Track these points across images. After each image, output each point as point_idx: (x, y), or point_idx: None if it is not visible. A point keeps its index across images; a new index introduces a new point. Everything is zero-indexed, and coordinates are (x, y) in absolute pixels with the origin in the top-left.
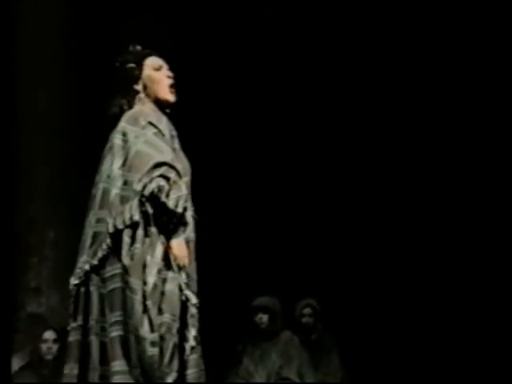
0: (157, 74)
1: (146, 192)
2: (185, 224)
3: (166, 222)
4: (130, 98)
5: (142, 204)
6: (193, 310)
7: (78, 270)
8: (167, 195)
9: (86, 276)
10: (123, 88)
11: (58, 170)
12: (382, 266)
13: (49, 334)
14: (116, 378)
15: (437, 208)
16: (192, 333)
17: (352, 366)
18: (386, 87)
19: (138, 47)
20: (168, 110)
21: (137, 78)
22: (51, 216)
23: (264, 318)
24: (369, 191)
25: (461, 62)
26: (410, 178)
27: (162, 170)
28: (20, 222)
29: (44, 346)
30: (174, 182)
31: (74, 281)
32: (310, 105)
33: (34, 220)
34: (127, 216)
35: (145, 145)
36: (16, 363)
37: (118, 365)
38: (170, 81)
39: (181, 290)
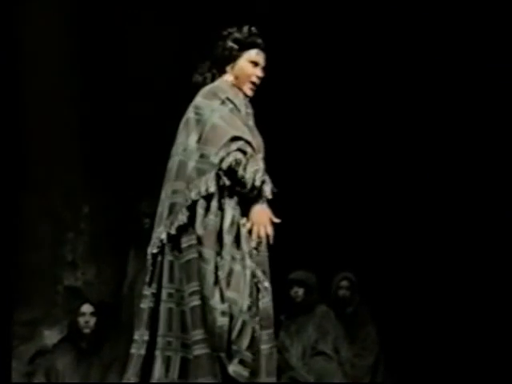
0: (249, 68)
1: (224, 165)
2: (263, 196)
3: (244, 195)
4: (217, 73)
5: (218, 177)
6: (264, 296)
7: (155, 240)
8: (244, 169)
9: (163, 245)
10: (216, 62)
11: (92, 146)
12: (419, 238)
13: (86, 308)
14: (196, 347)
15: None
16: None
17: (388, 339)
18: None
19: (254, 30)
20: None
21: (231, 61)
22: (86, 191)
23: (299, 291)
24: (405, 164)
25: (460, 61)
26: (442, 154)
27: (239, 144)
28: (56, 197)
29: (81, 320)
30: (251, 155)
31: (151, 250)
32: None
33: (70, 195)
34: (203, 188)
35: (220, 119)
36: (54, 336)
37: (199, 334)
38: (255, 79)
39: (252, 273)
